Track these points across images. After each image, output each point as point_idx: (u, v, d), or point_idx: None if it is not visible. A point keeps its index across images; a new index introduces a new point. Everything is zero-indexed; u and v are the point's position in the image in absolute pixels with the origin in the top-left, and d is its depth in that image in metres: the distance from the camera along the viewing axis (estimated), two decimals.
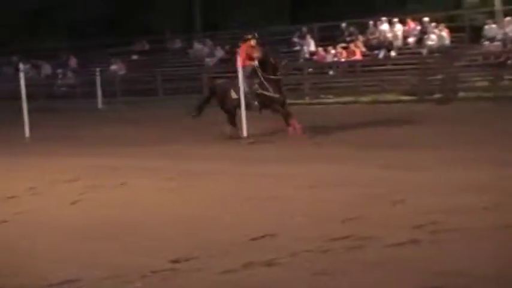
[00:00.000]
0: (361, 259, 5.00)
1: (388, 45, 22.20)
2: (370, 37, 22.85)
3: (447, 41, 21.17)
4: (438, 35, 21.17)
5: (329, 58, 22.56)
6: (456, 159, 8.99)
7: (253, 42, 13.01)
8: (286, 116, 12.45)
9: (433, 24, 21.53)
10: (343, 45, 22.61)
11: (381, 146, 10.68)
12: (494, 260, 4.77)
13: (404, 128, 12.58)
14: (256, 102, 12.62)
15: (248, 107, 12.60)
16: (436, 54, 20.82)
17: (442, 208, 6.27)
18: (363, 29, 23.21)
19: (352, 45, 22.38)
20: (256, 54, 12.82)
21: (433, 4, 23.51)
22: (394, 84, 20.10)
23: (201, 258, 5.24)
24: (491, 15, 21.33)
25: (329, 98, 20.33)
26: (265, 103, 12.55)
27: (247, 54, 12.83)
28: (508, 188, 6.98)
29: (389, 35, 22.40)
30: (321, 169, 8.99)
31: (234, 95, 12.82)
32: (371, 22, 23.09)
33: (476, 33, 20.87)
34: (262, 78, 12.50)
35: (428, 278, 4.56)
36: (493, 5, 21.92)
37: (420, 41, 21.79)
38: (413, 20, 22.36)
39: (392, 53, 22.03)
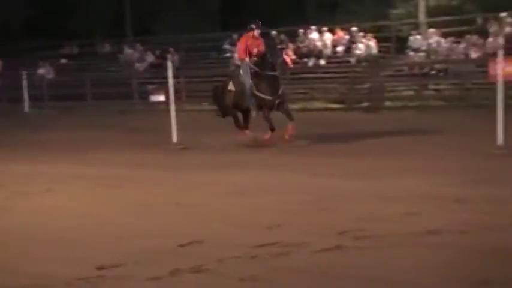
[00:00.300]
0: (289, 265, 5.08)
1: (318, 54, 22.55)
2: (300, 45, 23.16)
3: (374, 51, 21.68)
4: (366, 45, 21.66)
5: None
6: (386, 168, 9.23)
7: (256, 32, 11.91)
8: (270, 124, 11.72)
9: (361, 34, 22.00)
10: None
11: (311, 153, 10.86)
12: (417, 267, 4.91)
13: (335, 135, 12.79)
14: (253, 101, 11.79)
15: (247, 104, 11.91)
16: (364, 63, 21.30)
17: (368, 215, 6.43)
18: (293, 37, 23.50)
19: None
20: (258, 47, 11.83)
21: (361, 15, 24.03)
22: (323, 92, 20.44)
23: (128, 265, 5.22)
24: (416, 27, 21.97)
25: None
26: (259, 104, 11.77)
27: (247, 46, 11.83)
28: (433, 195, 7.20)
29: (318, 43, 22.75)
30: (251, 176, 9.05)
31: (231, 86, 12.12)
32: (301, 30, 23.40)
33: (402, 44, 21.45)
34: (255, 77, 11.62)
35: (353, 284, 4.68)
36: (417, 16, 22.59)
37: (349, 50, 22.24)
38: (342, 29, 22.79)
39: (322, 62, 22.39)
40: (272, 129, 11.73)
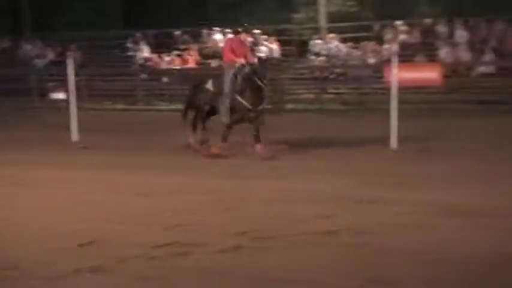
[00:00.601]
0: (187, 265, 5.16)
1: (221, 55, 22.65)
2: (204, 46, 23.25)
3: (277, 54, 22.04)
4: (268, 48, 21.98)
5: (163, 65, 22.68)
6: (288, 169, 9.46)
7: (243, 36, 11.31)
8: (226, 135, 10.86)
9: (264, 36, 22.32)
10: (177, 52, 22.84)
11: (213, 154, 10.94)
12: (313, 266, 5.09)
13: (238, 137, 12.81)
14: (226, 112, 10.93)
15: (219, 109, 11.08)
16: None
17: (269, 216, 6.60)
18: (197, 37, 23.56)
19: (186, 53, 22.66)
20: (245, 52, 11.10)
21: (263, 18, 24.36)
22: None
23: (27, 265, 5.16)
24: (317, 32, 22.51)
25: (162, 105, 20.45)
26: (233, 110, 10.91)
27: (232, 48, 11.05)
28: (332, 197, 7.46)
29: (222, 44, 22.89)
30: (155, 176, 9.06)
31: (210, 86, 11.28)
32: (205, 31, 23.50)
33: (304, 48, 21.90)
34: (245, 82, 10.83)
35: (248, 283, 4.81)
36: (318, 21, 23.15)
37: (252, 52, 22.46)
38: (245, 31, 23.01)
39: None
40: (225, 141, 10.93)
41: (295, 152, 11.11)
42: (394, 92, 11.27)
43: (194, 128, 11.57)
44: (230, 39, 11.49)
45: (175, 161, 10.38)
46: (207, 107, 11.39)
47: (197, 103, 11.48)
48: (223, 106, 10.98)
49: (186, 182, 8.60)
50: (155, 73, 22.83)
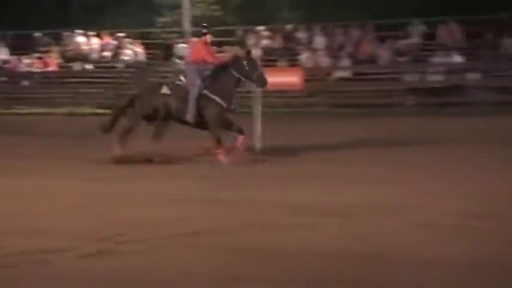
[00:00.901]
0: (47, 272, 5.04)
1: (84, 58, 22.31)
2: (66, 49, 22.75)
3: (142, 57, 21.95)
4: (133, 51, 21.85)
5: (22, 68, 21.98)
6: (148, 172, 9.51)
7: (208, 38, 10.81)
8: (218, 140, 10.46)
9: (129, 40, 22.16)
10: (38, 55, 22.21)
11: (78, 158, 10.72)
12: (173, 267, 5.12)
13: (104, 140, 12.53)
14: (192, 110, 10.45)
15: (181, 113, 10.56)
16: (132, 69, 21.50)
17: (130, 219, 6.58)
18: (58, 40, 23.01)
19: (47, 56, 22.09)
20: (211, 51, 10.79)
21: (128, 21, 24.19)
22: (90, 97, 20.29)
23: None
24: (182, 35, 22.65)
25: (22, 109, 19.85)
26: (203, 112, 10.48)
27: (204, 51, 10.63)
28: (195, 198, 7.55)
29: (85, 47, 22.51)
30: (8, 180, 8.79)
31: (165, 90, 10.68)
32: (67, 33, 22.99)
33: (169, 51, 21.97)
34: (219, 79, 10.48)
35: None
36: (182, 25, 23.31)
37: (116, 55, 22.27)
38: (110, 34, 22.78)
39: (88, 66, 22.18)
40: (220, 144, 10.47)
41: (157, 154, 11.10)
42: (256, 96, 11.58)
43: (123, 141, 10.84)
44: (198, 41, 11.05)
45: (35, 164, 10.13)
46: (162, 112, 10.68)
47: (152, 108, 10.73)
48: (190, 105, 10.44)
49: (45, 186, 8.41)
50: (14, 76, 22.09)
